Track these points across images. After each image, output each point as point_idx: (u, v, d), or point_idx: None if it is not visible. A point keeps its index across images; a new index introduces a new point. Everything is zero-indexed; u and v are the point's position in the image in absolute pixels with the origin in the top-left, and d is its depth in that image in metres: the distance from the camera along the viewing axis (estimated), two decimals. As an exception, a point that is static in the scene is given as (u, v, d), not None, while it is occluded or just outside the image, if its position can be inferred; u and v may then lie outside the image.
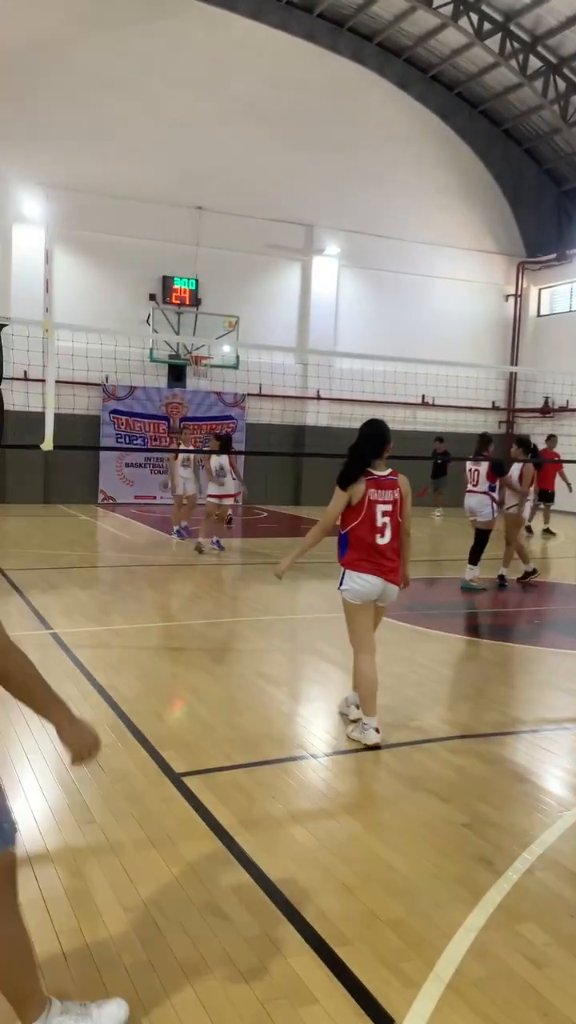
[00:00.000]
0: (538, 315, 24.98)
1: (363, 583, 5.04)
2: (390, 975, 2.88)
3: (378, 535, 5.04)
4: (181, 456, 13.95)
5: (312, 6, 21.17)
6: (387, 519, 5.06)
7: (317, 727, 5.41)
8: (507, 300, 24.87)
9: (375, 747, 4.94)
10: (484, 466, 10.33)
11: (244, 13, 20.75)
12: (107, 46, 19.41)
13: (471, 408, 21.89)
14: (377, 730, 5.00)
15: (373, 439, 5.09)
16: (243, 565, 12.48)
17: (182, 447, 15.17)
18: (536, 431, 22.82)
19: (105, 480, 20.01)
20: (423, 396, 22.11)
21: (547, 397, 23.42)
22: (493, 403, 24.00)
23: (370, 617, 5.21)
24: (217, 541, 12.97)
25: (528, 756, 4.98)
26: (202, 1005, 2.70)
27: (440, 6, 19.54)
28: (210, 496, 12.87)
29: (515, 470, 10.58)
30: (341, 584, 5.13)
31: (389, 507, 5.07)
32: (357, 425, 5.28)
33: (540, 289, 24.85)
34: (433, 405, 22.27)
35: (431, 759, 4.85)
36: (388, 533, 5.07)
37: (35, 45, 18.88)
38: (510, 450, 10.97)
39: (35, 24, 18.85)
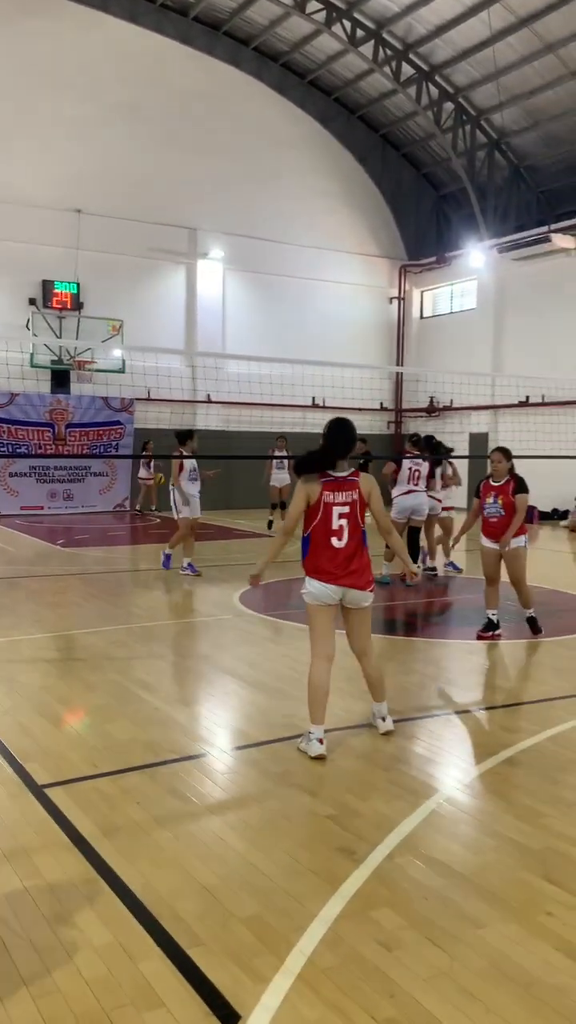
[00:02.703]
0: (421, 317, 25.61)
1: (316, 589, 4.89)
2: (240, 972, 2.86)
3: (334, 538, 4.84)
4: (187, 468, 11.10)
5: (186, 9, 21.14)
6: (344, 521, 4.84)
7: (189, 730, 5.35)
8: (391, 303, 25.40)
9: (320, 758, 4.72)
10: (425, 466, 10.78)
11: (118, 15, 20.56)
12: (-24, 44, 18.88)
13: (360, 409, 22.17)
14: (321, 740, 4.78)
15: (340, 439, 4.87)
16: (131, 572, 12.30)
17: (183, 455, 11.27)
18: (422, 430, 23.40)
19: (-12, 491, 19.41)
20: (313, 398, 22.33)
21: (432, 397, 24.02)
22: (381, 404, 24.47)
23: (328, 619, 4.96)
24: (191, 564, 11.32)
25: (396, 745, 5.06)
26: (43, 1019, 2.61)
27: (313, 12, 19.81)
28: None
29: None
30: (303, 589, 4.99)
31: (346, 508, 4.85)
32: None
33: (422, 291, 25.48)
34: (323, 407, 22.51)
35: (300, 754, 4.85)
36: (346, 536, 4.85)
37: None
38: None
39: None
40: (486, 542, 7.76)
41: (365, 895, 3.35)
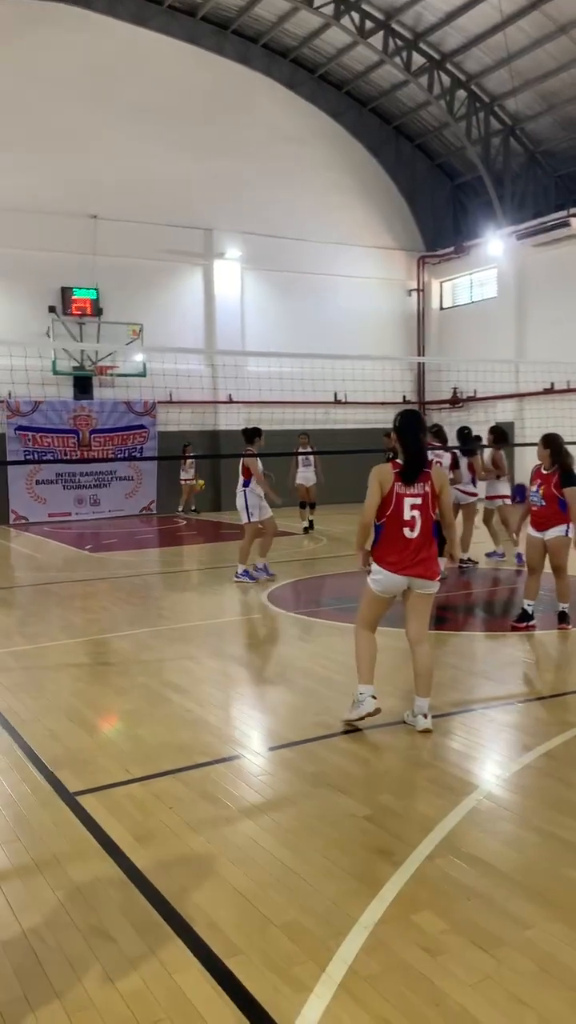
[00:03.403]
0: (441, 308, 25.36)
1: (384, 578, 5.02)
2: (280, 982, 2.77)
3: (407, 528, 4.97)
4: (261, 467, 10.59)
5: (194, 10, 21.08)
6: (416, 512, 4.97)
7: (221, 732, 5.26)
8: (410, 295, 25.18)
9: (375, 712, 5.03)
10: (446, 457, 10.50)
11: (126, 19, 20.55)
12: (-14, 55, 18.95)
13: (383, 403, 22.06)
14: (374, 696, 5.05)
15: (414, 430, 5.03)
16: (160, 575, 12.27)
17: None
18: (447, 421, 23.18)
19: (16, 500, 19.47)
20: (335, 394, 22.22)
21: (455, 388, 23.78)
22: (404, 397, 24.21)
23: (383, 608, 5.19)
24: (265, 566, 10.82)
25: (432, 742, 4.94)
26: (78, 1037, 2.54)
27: (321, 6, 19.66)
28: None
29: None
30: (371, 574, 5.15)
31: (419, 500, 4.98)
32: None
33: (441, 282, 25.23)
34: (345, 403, 22.40)
35: (334, 753, 4.76)
36: (418, 527, 4.97)
37: None
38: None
39: None
40: (531, 531, 7.62)
41: (406, 898, 3.25)
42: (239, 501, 10.55)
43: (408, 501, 4.96)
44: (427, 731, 5.02)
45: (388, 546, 5.00)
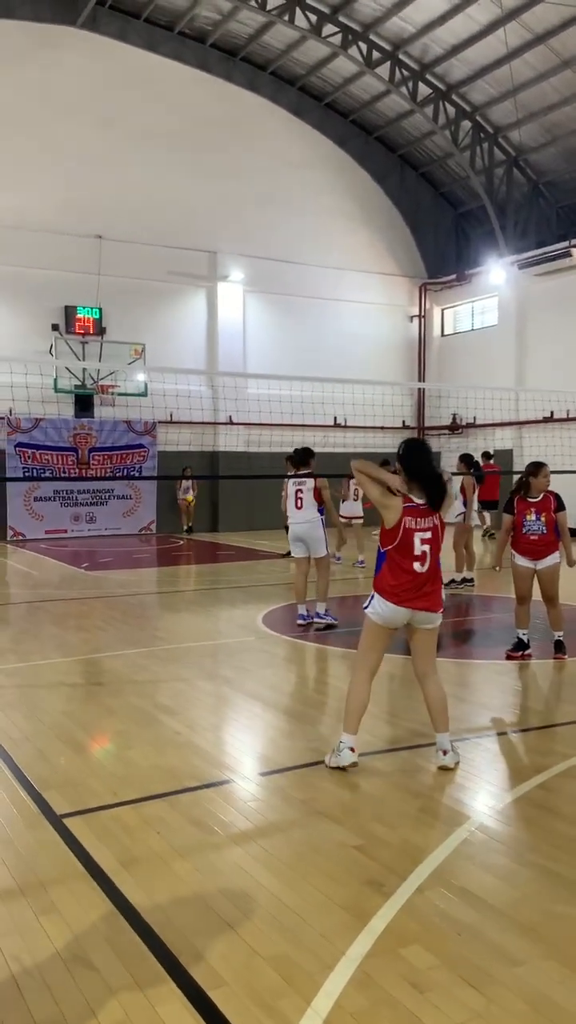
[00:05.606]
0: (442, 335, 25.48)
1: (387, 610, 4.80)
2: (264, 1015, 2.71)
3: (417, 563, 4.75)
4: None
5: (204, 36, 21.34)
6: (427, 547, 4.75)
7: (212, 757, 5.20)
8: (412, 321, 25.31)
9: (353, 766, 4.79)
10: (457, 482, 10.38)
11: (137, 44, 20.79)
12: (-2, 76, 19.15)
13: (382, 428, 22.11)
14: (353, 749, 4.80)
15: (422, 462, 4.79)
16: (157, 595, 12.21)
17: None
18: (447, 448, 23.25)
19: (13, 516, 19.43)
20: (335, 418, 22.24)
21: (455, 414, 23.84)
22: (403, 422, 24.29)
23: (384, 640, 4.93)
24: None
25: (425, 771, 4.88)
26: (56, 1069, 2.48)
27: (329, 36, 19.91)
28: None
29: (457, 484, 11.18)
30: (367, 605, 4.89)
31: (429, 534, 4.76)
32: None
33: (443, 309, 25.37)
34: (345, 426, 22.41)
35: (326, 780, 4.70)
36: (428, 561, 4.76)
37: None
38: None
39: None
40: (522, 560, 7.52)
41: (395, 931, 3.19)
42: (317, 531, 9.06)
43: (419, 536, 4.73)
44: (447, 768, 4.79)
45: (395, 579, 4.76)
